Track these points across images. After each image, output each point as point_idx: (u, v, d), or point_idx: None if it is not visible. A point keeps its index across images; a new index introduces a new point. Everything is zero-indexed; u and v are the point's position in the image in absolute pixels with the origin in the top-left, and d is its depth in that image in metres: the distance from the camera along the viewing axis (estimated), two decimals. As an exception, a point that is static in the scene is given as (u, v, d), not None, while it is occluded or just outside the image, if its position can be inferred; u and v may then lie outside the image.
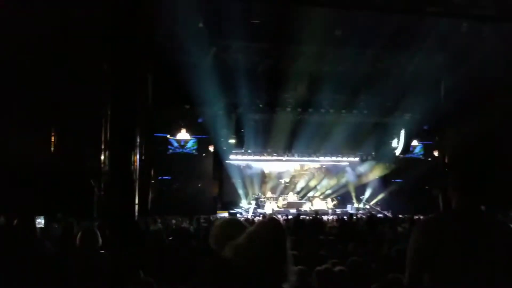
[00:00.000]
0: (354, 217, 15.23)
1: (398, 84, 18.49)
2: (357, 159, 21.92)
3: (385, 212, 19.20)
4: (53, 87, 13.84)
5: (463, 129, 16.16)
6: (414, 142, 22.67)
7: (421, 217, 12.72)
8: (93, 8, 11.51)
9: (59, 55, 13.64)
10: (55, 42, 13.83)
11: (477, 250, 2.13)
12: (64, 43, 13.72)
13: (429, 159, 22.51)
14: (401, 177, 21.24)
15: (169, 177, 20.94)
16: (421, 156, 23.21)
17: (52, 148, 14.54)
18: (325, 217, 16.61)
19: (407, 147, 21.14)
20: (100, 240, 4.13)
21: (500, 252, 2.15)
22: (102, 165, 9.91)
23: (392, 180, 21.40)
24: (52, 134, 14.61)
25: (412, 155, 23.02)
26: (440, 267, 2.15)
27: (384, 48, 15.98)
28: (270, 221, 1.91)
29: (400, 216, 15.57)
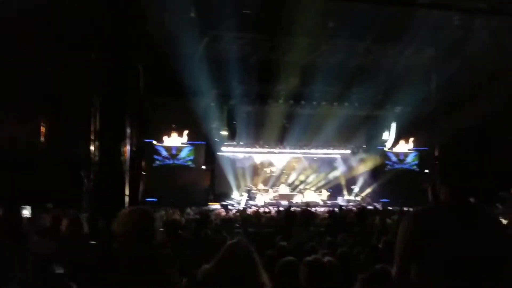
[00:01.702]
0: (344, 208, 15.32)
1: (389, 77, 18.59)
2: (348, 151, 22.00)
3: (376, 204, 19.33)
4: (42, 76, 13.66)
5: (453, 122, 16.26)
6: (404, 148, 21.89)
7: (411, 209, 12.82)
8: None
9: (48, 44, 13.44)
10: (44, 31, 13.62)
11: (463, 240, 2.16)
12: (53, 32, 13.51)
13: (426, 171, 20.25)
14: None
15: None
16: (414, 167, 22.03)
17: (42, 138, 14.38)
18: (316, 209, 16.69)
19: (397, 140, 21.14)
20: (86, 229, 4.10)
21: (487, 242, 2.18)
22: (92, 156, 9.84)
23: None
24: (42, 124, 14.45)
25: (404, 165, 21.98)
26: (427, 258, 2.17)
27: (375, 41, 15.99)
28: (236, 245, 1.95)
29: (390, 208, 15.70)
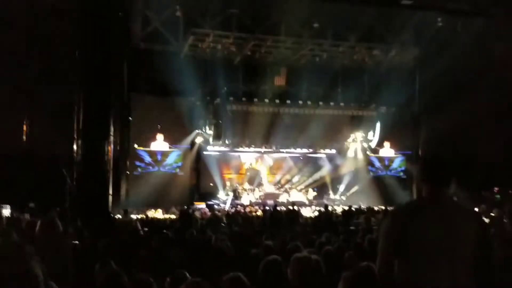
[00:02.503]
0: (330, 208, 15.38)
1: (374, 77, 18.75)
2: (334, 151, 22.09)
3: (360, 204, 19.43)
4: (25, 74, 13.45)
5: (437, 122, 16.47)
6: (389, 152, 21.08)
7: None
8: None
9: (31, 41, 13.23)
10: (26, 28, 13.41)
11: (442, 234, 2.24)
12: (36, 30, 13.31)
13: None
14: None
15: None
16: (401, 174, 21.12)
17: (24, 137, 14.15)
18: (301, 208, 16.73)
19: (382, 141, 21.10)
20: (61, 229, 4.03)
21: (464, 235, 2.26)
22: (75, 155, 9.70)
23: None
24: (24, 122, 14.22)
25: (389, 172, 21.07)
26: (408, 252, 2.24)
27: (360, 41, 16.12)
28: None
29: (375, 208, 15.81)
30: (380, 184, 20.20)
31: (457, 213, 2.34)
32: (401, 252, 2.26)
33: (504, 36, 14.86)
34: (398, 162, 21.46)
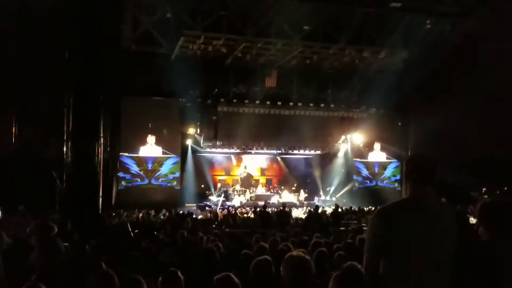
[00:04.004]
0: (320, 209, 15.43)
1: (363, 79, 18.91)
2: (324, 152, 22.18)
3: (351, 205, 19.52)
4: (14, 76, 13.35)
5: (426, 124, 16.64)
6: (380, 156, 20.57)
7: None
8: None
9: (20, 42, 13.14)
10: (16, 29, 13.33)
11: (426, 232, 2.29)
12: (26, 31, 13.23)
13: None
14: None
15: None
16: (396, 185, 19.76)
17: (13, 139, 14.04)
18: (292, 209, 16.79)
19: (371, 143, 21.05)
20: (56, 230, 4.03)
21: (447, 232, 2.33)
22: (65, 157, 9.64)
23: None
24: (14, 124, 14.10)
25: (380, 183, 19.85)
26: (394, 251, 2.30)
27: (350, 43, 16.25)
28: None
29: (366, 208, 15.91)
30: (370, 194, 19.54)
31: (440, 210, 2.40)
32: (386, 251, 2.31)
33: (491, 38, 15.11)
34: (391, 169, 20.62)
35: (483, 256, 2.33)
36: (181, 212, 14.21)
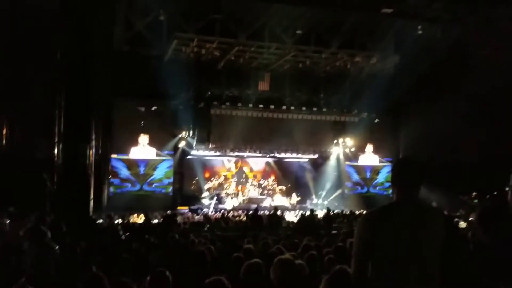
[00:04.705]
0: (312, 212, 15.47)
1: (355, 83, 19.05)
2: (316, 156, 22.26)
3: (343, 208, 19.60)
4: (5, 76, 13.23)
5: (417, 128, 16.78)
6: (372, 159, 20.59)
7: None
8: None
9: (11, 42, 13.04)
10: (8, 30, 13.22)
11: (411, 236, 2.31)
12: (17, 32, 13.14)
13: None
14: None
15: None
16: (390, 192, 18.91)
17: (4, 140, 13.91)
18: (285, 213, 16.82)
19: (362, 146, 21.07)
20: (49, 235, 4.01)
21: (433, 236, 2.34)
22: (56, 158, 9.59)
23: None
24: (4, 125, 13.98)
25: (373, 190, 19.59)
26: (380, 255, 2.31)
27: (342, 48, 16.37)
28: None
29: (357, 212, 15.97)
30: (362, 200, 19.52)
31: (427, 214, 2.41)
32: (373, 255, 2.32)
33: (480, 43, 15.32)
34: (385, 174, 20.23)
35: (483, 259, 2.37)
36: (172, 215, 14.10)
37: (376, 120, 19.81)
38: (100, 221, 11.23)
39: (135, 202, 14.98)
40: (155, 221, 12.86)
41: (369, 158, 20.76)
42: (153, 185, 13.67)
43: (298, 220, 12.92)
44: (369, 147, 20.86)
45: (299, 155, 21.83)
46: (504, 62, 14.80)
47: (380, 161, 20.47)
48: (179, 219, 13.80)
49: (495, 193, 15.57)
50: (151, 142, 16.68)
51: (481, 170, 15.90)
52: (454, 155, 17.04)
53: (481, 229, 2.51)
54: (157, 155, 15.01)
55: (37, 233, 3.97)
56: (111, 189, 14.17)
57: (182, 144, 18.99)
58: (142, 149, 14.68)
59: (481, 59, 15.38)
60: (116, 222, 11.72)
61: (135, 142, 16.04)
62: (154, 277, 3.25)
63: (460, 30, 14.55)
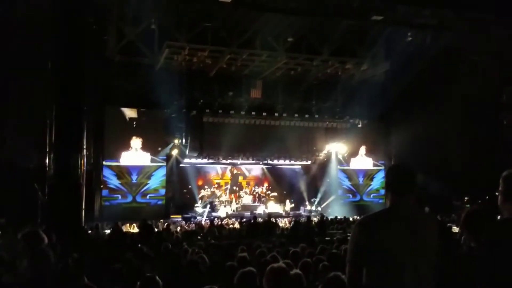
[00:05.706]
0: (306, 219, 15.46)
1: (347, 90, 19.17)
2: (309, 162, 22.30)
3: (336, 214, 19.59)
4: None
5: (408, 134, 16.89)
6: (368, 163, 20.22)
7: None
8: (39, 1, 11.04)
9: (2, 51, 12.96)
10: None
11: (406, 242, 2.32)
12: (8, 41, 13.06)
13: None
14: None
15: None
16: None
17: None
18: (278, 220, 16.80)
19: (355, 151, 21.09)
20: (46, 241, 3.97)
21: (427, 242, 2.35)
22: (47, 168, 9.51)
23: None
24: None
25: (366, 197, 19.35)
26: (375, 261, 2.31)
27: (333, 55, 16.49)
28: None
29: (351, 218, 15.98)
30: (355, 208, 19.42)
31: (421, 220, 2.43)
32: (368, 261, 2.33)
33: (470, 49, 15.51)
34: (380, 179, 19.81)
35: (469, 262, 2.37)
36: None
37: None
38: (92, 231, 11.14)
39: (128, 213, 14.64)
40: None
41: (362, 161, 20.59)
42: (148, 196, 12.20)
43: (292, 227, 12.88)
44: (362, 149, 20.68)
45: (292, 162, 21.87)
46: (494, 67, 15.00)
47: (374, 164, 20.24)
48: (172, 227, 13.71)
49: (487, 197, 15.69)
50: (145, 147, 15.67)
51: (474, 174, 16.01)
52: (446, 160, 17.16)
53: (467, 233, 2.53)
54: (152, 160, 13.57)
55: (33, 239, 3.92)
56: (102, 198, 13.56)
57: (175, 152, 18.94)
58: (135, 154, 13.17)
59: (471, 64, 15.57)
60: (108, 231, 11.62)
61: (127, 147, 14.72)
62: (144, 283, 3.22)
63: (450, 36, 14.72)
